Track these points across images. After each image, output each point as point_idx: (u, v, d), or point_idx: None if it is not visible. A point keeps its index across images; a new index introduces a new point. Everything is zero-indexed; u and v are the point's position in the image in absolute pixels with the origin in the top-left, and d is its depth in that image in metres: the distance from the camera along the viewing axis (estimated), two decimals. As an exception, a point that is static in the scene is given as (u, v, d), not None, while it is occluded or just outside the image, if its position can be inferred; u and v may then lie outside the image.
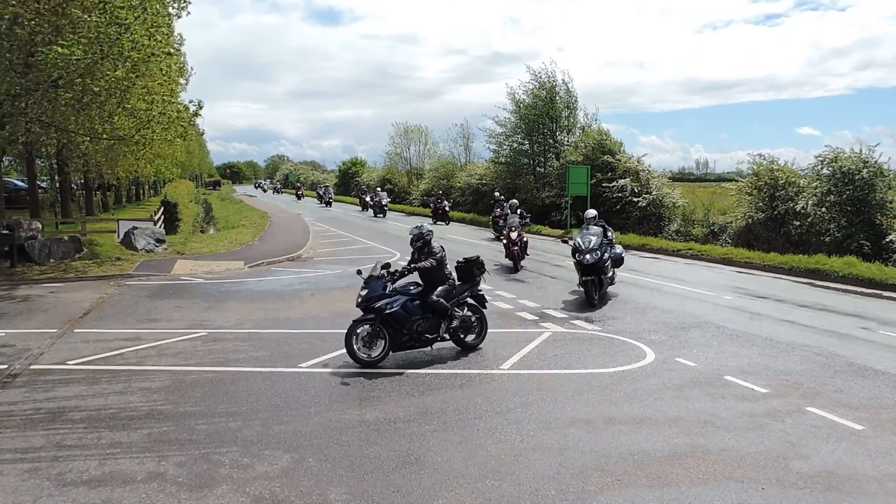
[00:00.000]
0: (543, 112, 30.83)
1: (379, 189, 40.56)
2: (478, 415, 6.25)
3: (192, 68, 33.41)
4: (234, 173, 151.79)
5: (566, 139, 31.42)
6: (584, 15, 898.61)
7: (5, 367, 7.71)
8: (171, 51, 18.62)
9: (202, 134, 65.49)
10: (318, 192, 57.41)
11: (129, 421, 6.07)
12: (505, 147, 33.10)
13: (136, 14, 13.91)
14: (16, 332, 9.53)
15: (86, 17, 13.38)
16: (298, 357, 8.18)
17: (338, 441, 5.62)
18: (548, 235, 24.87)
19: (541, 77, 31.37)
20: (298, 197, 62.24)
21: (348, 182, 62.49)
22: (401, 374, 7.57)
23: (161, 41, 15.76)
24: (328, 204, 48.68)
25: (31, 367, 7.78)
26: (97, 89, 14.04)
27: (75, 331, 9.63)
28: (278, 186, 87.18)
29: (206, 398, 6.72)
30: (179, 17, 18.93)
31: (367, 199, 40.50)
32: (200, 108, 17.56)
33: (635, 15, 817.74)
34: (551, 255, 18.80)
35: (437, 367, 7.85)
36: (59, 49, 12.55)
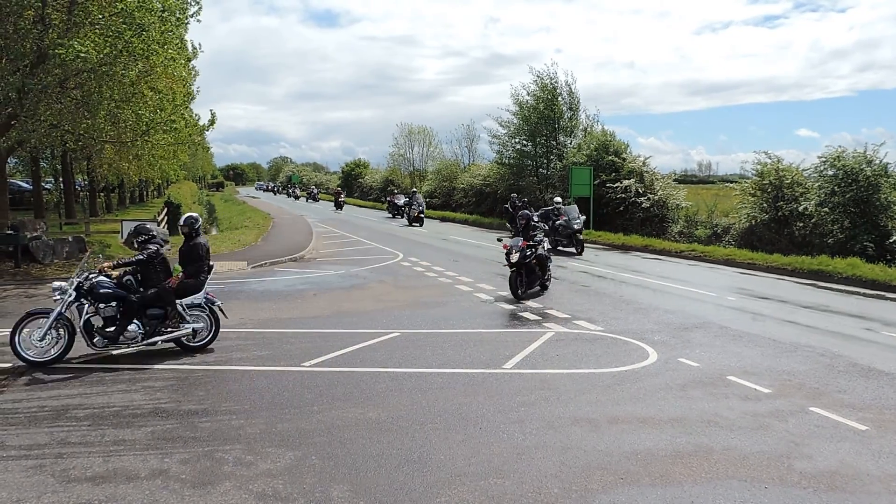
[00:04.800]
0: (545, 114, 30.85)
1: (514, 196, 26.82)
2: (480, 413, 6.25)
3: (195, 69, 33.47)
4: (237, 175, 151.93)
5: (568, 141, 31.45)
6: (581, 16, 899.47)
7: (10, 365, 7.74)
8: (182, 59, 18.77)
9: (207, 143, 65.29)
10: (393, 202, 37.31)
11: (132, 419, 6.08)
12: (508, 148, 33.17)
13: (153, 19, 13.86)
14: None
15: (100, 16, 13.37)
16: (301, 356, 8.19)
17: (340, 439, 5.62)
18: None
19: (543, 79, 31.44)
20: (339, 206, 44.33)
21: (352, 184, 62.51)
22: (403, 372, 7.58)
23: (174, 48, 15.86)
24: (418, 221, 30.75)
25: (36, 365, 7.79)
26: (106, 90, 14.04)
27: (79, 330, 9.63)
28: (314, 192, 62.39)
29: (210, 396, 6.74)
30: (188, 22, 19.09)
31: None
32: (213, 121, 18.08)
33: (633, 16, 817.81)
34: (553, 256, 18.73)
35: (440, 366, 7.86)
36: (77, 45, 12.44)
